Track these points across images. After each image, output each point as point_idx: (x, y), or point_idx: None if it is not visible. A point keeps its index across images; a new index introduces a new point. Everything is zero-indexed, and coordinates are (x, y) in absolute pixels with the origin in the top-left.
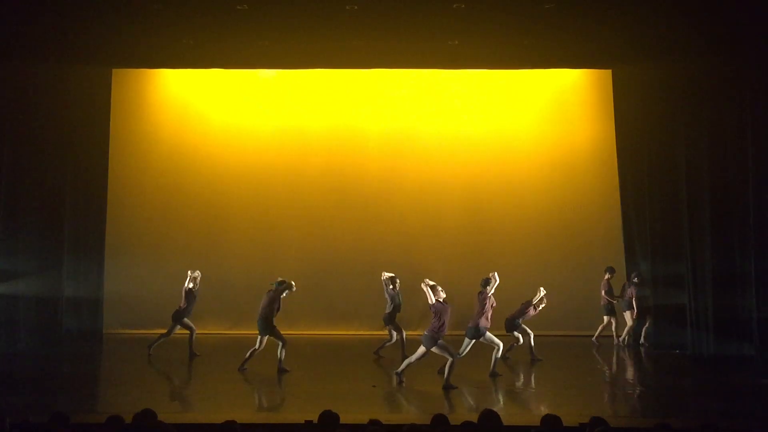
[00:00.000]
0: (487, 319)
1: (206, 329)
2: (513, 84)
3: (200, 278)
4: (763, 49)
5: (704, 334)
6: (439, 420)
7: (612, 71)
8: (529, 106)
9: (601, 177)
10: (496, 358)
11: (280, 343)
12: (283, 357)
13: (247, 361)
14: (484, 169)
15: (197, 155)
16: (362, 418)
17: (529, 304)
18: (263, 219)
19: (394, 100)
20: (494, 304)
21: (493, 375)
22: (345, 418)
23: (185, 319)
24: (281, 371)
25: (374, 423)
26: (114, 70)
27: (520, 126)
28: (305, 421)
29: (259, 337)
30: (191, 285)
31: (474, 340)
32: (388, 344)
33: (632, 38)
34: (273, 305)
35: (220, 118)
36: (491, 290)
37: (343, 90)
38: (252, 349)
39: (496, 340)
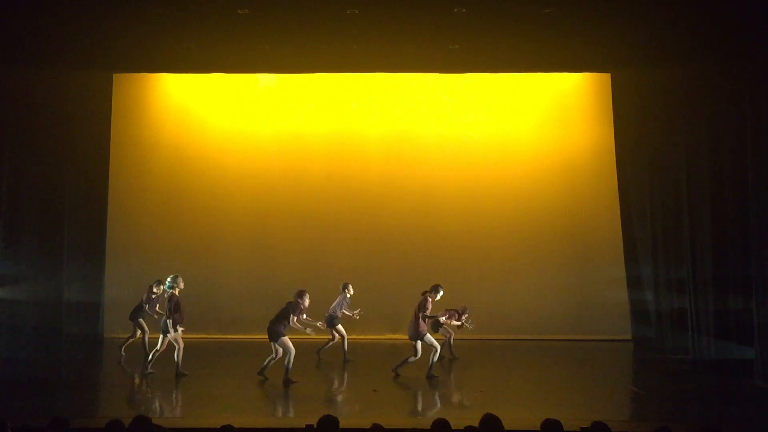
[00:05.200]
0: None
1: (206, 333)
2: (513, 87)
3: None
4: (762, 51)
5: (705, 338)
6: (440, 424)
7: (611, 75)
8: (529, 109)
9: (601, 180)
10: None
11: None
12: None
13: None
14: (485, 173)
15: (198, 160)
16: (362, 422)
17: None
18: (263, 223)
19: (395, 104)
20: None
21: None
22: (345, 423)
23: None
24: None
25: (376, 427)
26: (115, 75)
27: (520, 129)
28: (306, 425)
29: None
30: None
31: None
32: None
33: (631, 42)
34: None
35: (220, 123)
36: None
37: (344, 94)
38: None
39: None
